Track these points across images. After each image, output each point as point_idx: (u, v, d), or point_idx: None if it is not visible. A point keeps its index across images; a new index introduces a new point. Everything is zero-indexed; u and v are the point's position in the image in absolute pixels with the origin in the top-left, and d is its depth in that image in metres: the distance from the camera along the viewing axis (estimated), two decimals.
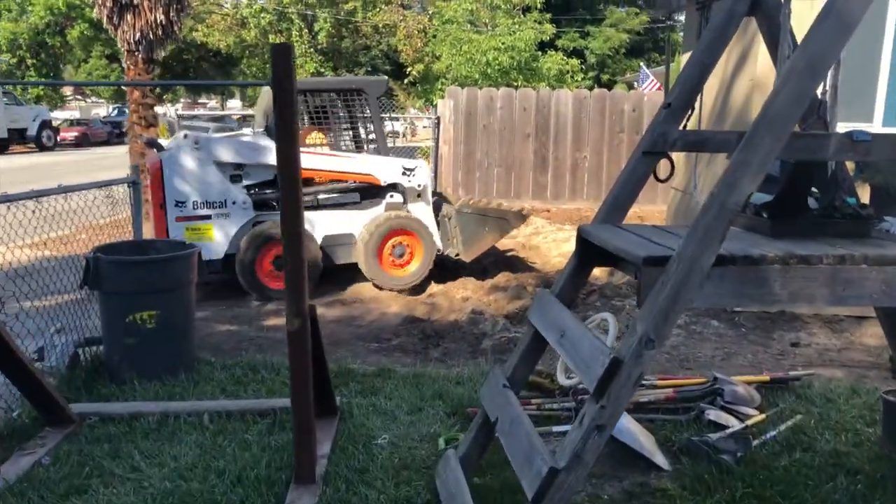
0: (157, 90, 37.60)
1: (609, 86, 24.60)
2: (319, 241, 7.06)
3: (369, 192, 7.42)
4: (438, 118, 12.03)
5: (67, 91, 45.50)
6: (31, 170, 19.65)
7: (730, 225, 2.40)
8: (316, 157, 7.09)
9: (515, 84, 18.73)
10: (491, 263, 8.43)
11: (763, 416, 4.23)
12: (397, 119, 8.82)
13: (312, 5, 23.31)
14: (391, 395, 4.48)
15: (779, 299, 2.53)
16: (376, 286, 7.33)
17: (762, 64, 6.14)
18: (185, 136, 6.76)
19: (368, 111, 7.85)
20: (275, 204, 6.94)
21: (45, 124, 27.98)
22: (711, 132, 3.18)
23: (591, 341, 2.64)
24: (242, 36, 23.09)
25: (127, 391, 4.43)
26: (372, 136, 8.05)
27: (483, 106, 13.77)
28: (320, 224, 7.08)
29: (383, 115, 8.70)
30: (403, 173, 7.37)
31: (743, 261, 2.51)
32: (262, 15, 23.55)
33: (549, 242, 9.93)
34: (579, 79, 23.04)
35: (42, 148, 27.47)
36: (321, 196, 7.29)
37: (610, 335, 2.86)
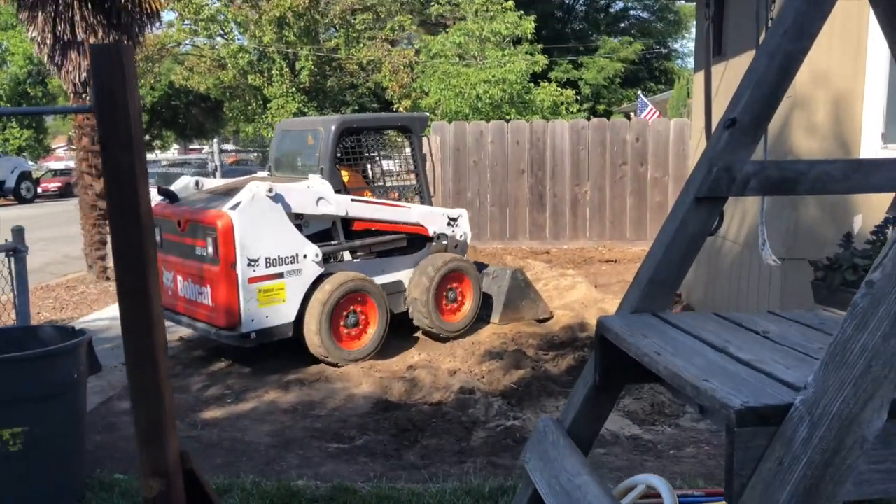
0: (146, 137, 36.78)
1: (606, 116, 23.66)
2: None
3: (415, 241, 7.06)
4: (424, 156, 10.93)
5: (56, 143, 44.73)
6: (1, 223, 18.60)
7: None
8: (374, 207, 6.61)
9: (508, 117, 17.74)
10: (482, 319, 7.22)
11: None
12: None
13: (293, 43, 22.37)
14: None
15: None
16: (429, 335, 6.90)
17: (804, 75, 5.01)
18: (257, 187, 5.83)
19: (410, 150, 7.42)
20: (337, 256, 6.49)
21: (24, 175, 26.97)
22: (806, 163, 2.01)
23: None
24: (221, 77, 22.11)
25: None
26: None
27: (472, 141, 12.68)
28: (376, 274, 6.61)
29: (376, 154, 7.78)
30: (448, 223, 7.12)
31: None
32: (240, 55, 22.61)
33: (551, 290, 8.70)
34: (574, 110, 22.09)
35: (21, 200, 26.44)
36: (375, 246, 6.86)
37: None
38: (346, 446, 4.51)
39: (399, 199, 7.17)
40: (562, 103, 21.48)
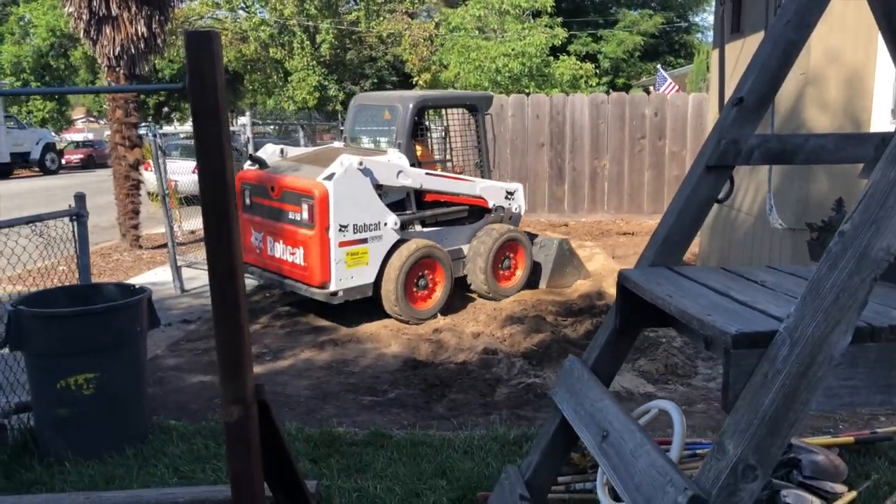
0: (148, 109, 37.17)
1: (625, 90, 23.69)
2: None
3: (474, 211, 7.60)
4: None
5: (75, 114, 45.22)
6: (31, 194, 19.08)
7: (874, 284, 1.51)
8: (444, 181, 7.13)
9: (527, 91, 17.88)
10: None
11: (854, 493, 3.32)
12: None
13: (314, 16, 22.54)
14: (383, 472, 3.62)
15: None
16: (483, 297, 7.47)
17: (817, 54, 5.23)
18: (349, 160, 6.37)
19: (475, 127, 7.96)
20: (409, 225, 6.97)
21: (49, 147, 27.45)
22: (803, 137, 2.29)
23: (649, 456, 1.75)
24: (242, 51, 22.35)
25: (56, 475, 3.60)
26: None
27: (493, 115, 12.88)
28: (440, 242, 7.10)
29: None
30: (506, 197, 7.65)
31: (890, 334, 1.62)
32: (261, 28, 22.84)
33: None
34: (594, 83, 22.14)
35: (46, 171, 26.95)
36: (440, 216, 7.38)
37: (675, 442, 1.98)
38: (380, 399, 4.87)
39: (461, 173, 7.67)
40: (581, 77, 21.53)
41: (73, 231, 4.48)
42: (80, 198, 4.50)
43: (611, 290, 7.53)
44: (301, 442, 3.98)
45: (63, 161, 28.98)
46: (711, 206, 2.32)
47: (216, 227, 2.33)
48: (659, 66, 24.35)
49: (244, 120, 8.28)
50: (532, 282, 7.80)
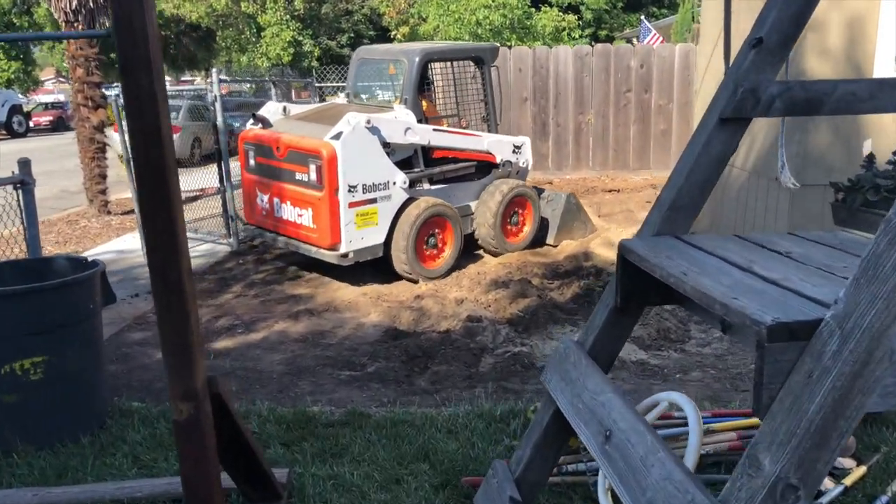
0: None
1: (608, 42, 23.14)
2: None
3: (481, 167, 7.40)
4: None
5: (44, 75, 43.82)
6: None
7: None
8: (452, 137, 6.90)
9: (509, 44, 17.36)
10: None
11: (863, 468, 3.11)
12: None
13: None
14: (361, 456, 3.36)
15: None
16: (491, 253, 7.33)
17: None
18: (356, 118, 6.11)
19: (480, 80, 7.63)
20: (416, 183, 6.73)
21: (16, 109, 26.55)
22: (830, 83, 1.98)
23: (664, 467, 1.47)
24: (213, 5, 21.51)
25: (3, 468, 3.31)
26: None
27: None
28: (448, 199, 6.91)
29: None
30: (513, 151, 7.45)
31: None
32: None
33: None
34: (576, 35, 21.61)
35: (13, 134, 26.10)
36: (448, 173, 7.15)
37: (690, 447, 1.71)
38: (358, 373, 4.60)
39: (467, 127, 7.39)
40: (563, 29, 20.97)
41: (19, 200, 4.11)
42: (24, 164, 4.12)
43: (598, 250, 7.27)
44: (272, 424, 3.71)
45: (31, 123, 28.10)
46: (725, 165, 2.02)
47: (152, 195, 2.00)
48: (643, 16, 23.80)
49: (213, 77, 7.79)
50: (539, 237, 7.65)
